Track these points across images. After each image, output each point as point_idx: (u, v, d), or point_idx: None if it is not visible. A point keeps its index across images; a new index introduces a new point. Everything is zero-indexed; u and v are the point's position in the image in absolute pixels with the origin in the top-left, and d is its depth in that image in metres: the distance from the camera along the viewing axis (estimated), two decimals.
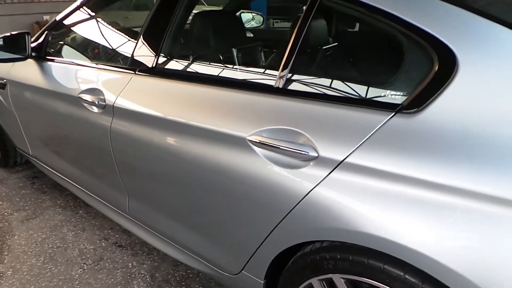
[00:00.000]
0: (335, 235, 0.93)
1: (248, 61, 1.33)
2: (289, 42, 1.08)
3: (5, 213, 2.20)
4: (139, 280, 1.70)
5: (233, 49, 1.39)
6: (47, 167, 2.17)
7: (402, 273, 0.85)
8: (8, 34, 1.88)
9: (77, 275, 1.72)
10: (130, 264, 1.79)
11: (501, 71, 0.81)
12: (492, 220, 0.75)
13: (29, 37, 1.87)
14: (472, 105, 0.82)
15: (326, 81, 1.05)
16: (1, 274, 1.73)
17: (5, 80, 2.13)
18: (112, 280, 1.70)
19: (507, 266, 0.73)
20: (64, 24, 1.92)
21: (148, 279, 1.70)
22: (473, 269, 0.75)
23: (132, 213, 1.65)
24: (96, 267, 1.77)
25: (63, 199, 2.34)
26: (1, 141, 2.53)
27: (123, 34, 1.68)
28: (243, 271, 1.24)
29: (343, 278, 0.97)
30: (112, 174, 1.61)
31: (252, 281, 1.23)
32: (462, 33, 0.86)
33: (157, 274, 1.73)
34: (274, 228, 1.05)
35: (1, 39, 1.86)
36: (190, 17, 1.54)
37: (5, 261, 1.81)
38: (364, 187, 0.88)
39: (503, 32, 0.85)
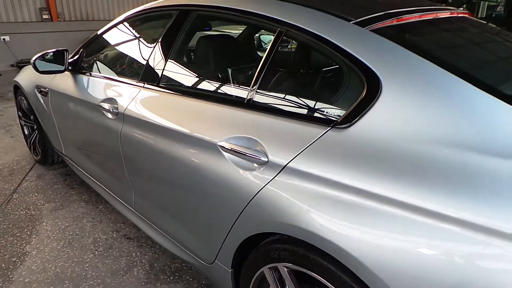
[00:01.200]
0: (278, 228, 1.10)
1: (231, 80, 1.54)
2: (258, 66, 1.28)
3: (39, 203, 2.54)
4: (139, 268, 1.93)
5: (219, 70, 1.61)
6: (75, 165, 2.49)
7: (325, 263, 1.00)
8: (55, 49, 2.25)
9: (88, 259, 1.99)
10: (134, 254, 2.03)
11: (418, 96, 0.96)
12: (406, 224, 0.87)
13: (67, 53, 2.22)
14: (392, 123, 0.96)
15: (281, 99, 1.24)
16: (27, 253, 2.03)
17: (47, 89, 2.50)
18: (117, 265, 1.94)
19: (416, 266, 0.84)
20: (94, 43, 2.26)
21: (147, 268, 1.93)
22: (379, 263, 0.88)
23: (136, 208, 1.89)
24: (105, 254, 2.03)
25: (87, 194, 2.65)
26: (43, 142, 2.92)
27: (136, 53, 1.97)
28: (216, 261, 1.43)
29: (285, 267, 1.12)
30: (122, 173, 1.87)
31: (223, 270, 1.40)
32: (387, 61, 1.02)
33: (155, 264, 1.95)
34: (235, 220, 1.23)
35: (51, 54, 2.23)
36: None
37: (32, 243, 2.12)
38: (300, 188, 1.05)
39: (423, 62, 1.00)
